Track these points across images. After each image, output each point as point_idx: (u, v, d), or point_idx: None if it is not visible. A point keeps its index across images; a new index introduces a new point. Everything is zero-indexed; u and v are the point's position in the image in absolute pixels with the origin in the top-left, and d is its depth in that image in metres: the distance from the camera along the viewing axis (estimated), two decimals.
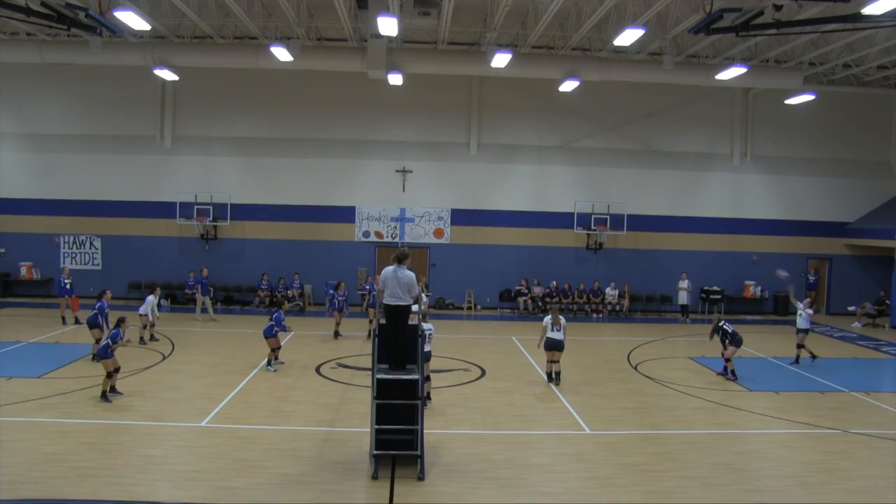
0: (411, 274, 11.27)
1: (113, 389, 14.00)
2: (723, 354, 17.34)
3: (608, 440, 12.48)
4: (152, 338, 19.51)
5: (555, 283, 27.23)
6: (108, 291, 17.72)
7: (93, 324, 16.71)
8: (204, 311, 23.72)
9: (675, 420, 13.77)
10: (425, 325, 13.65)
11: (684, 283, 26.40)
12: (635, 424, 13.45)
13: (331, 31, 23.28)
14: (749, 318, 27.49)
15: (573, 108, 27.41)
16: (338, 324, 21.30)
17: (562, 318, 15.95)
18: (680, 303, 26.55)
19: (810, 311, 19.04)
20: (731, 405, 14.84)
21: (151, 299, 19.42)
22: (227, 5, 19.51)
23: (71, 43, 22.58)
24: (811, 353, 18.98)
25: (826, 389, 16.37)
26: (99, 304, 16.91)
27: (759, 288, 28.22)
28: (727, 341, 17.20)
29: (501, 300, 27.48)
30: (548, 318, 15.99)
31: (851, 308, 26.82)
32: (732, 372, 17.17)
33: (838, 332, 24.91)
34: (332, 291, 22.10)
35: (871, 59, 23.33)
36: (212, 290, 24.62)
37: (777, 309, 28.30)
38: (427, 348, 13.77)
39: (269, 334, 16.76)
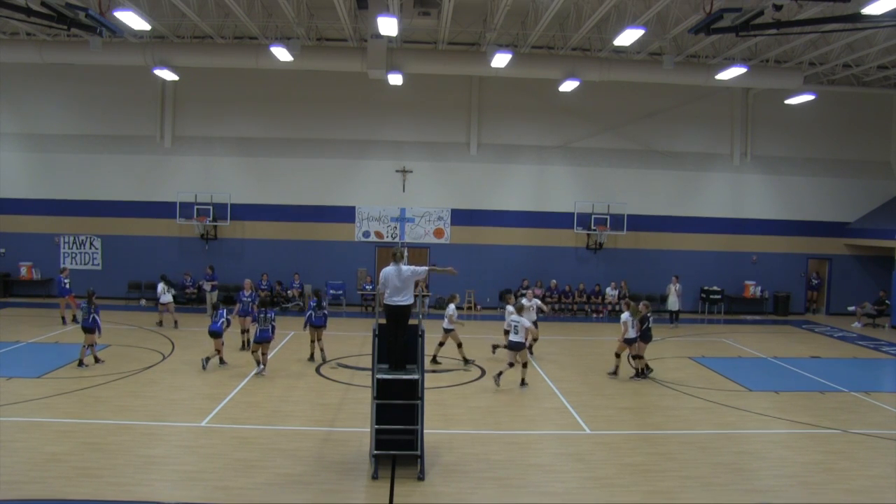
0: (411, 267, 11.39)
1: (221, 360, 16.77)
2: (626, 352, 16.98)
3: (608, 440, 12.49)
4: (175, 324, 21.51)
5: (554, 281, 27.21)
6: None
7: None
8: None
9: (675, 420, 13.78)
10: (516, 318, 15.54)
11: (675, 287, 24.88)
12: (635, 424, 13.46)
13: (331, 31, 23.28)
14: (749, 318, 27.52)
15: (573, 108, 27.41)
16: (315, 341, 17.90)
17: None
18: (669, 308, 25.18)
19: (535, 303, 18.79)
20: (730, 405, 14.84)
21: (163, 286, 21.55)
22: (227, 5, 19.51)
23: (71, 43, 22.59)
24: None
25: (826, 389, 16.38)
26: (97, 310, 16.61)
27: (759, 288, 28.21)
28: (641, 334, 16.70)
29: (501, 300, 27.44)
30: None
31: (851, 308, 26.83)
32: (647, 367, 16.99)
33: (838, 332, 24.92)
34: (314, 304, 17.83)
35: (871, 59, 23.33)
36: (211, 286, 24.69)
37: (777, 309, 28.30)
38: (519, 338, 15.47)
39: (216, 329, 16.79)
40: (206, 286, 24.18)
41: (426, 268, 12.09)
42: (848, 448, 12.26)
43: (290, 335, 20.82)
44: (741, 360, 19.66)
